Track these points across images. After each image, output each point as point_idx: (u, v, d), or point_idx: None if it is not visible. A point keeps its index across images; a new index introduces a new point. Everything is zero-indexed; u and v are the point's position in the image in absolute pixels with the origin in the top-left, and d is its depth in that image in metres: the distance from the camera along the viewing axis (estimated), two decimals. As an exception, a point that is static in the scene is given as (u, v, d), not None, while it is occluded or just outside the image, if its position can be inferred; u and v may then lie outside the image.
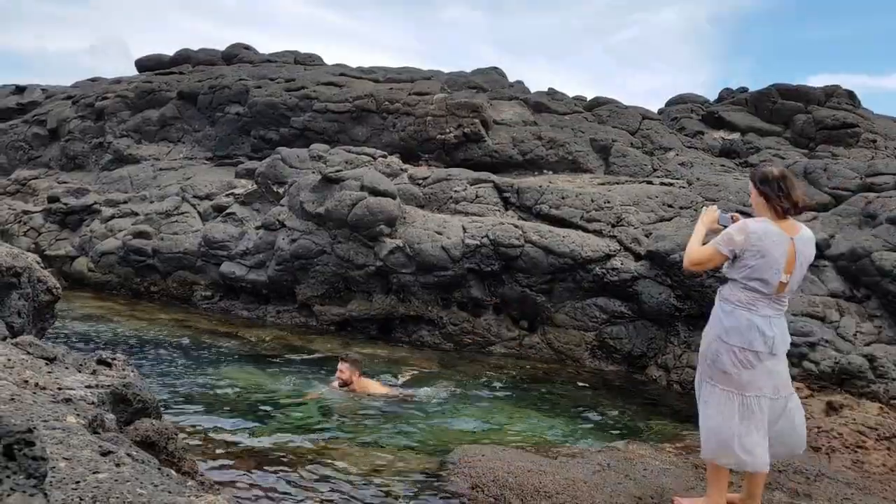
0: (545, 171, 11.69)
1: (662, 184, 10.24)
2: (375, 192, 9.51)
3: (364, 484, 4.28)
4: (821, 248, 7.69)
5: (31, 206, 13.68)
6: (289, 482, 4.21)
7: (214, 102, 14.58)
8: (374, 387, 6.56)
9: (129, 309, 10.21)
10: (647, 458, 4.84)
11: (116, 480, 1.91)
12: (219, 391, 6.39)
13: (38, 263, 4.29)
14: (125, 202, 12.84)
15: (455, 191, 10.14)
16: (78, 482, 1.85)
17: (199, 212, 11.68)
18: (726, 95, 14.81)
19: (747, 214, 4.57)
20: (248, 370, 7.27)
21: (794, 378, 6.13)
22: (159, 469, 2.18)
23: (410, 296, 9.24)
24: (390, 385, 6.90)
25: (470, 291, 8.99)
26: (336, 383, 6.45)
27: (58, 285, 4.35)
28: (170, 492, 1.96)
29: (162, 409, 3.34)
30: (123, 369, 3.02)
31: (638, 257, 8.50)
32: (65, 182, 14.61)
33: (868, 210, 8.37)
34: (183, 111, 15.09)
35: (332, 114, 13.05)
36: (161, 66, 17.77)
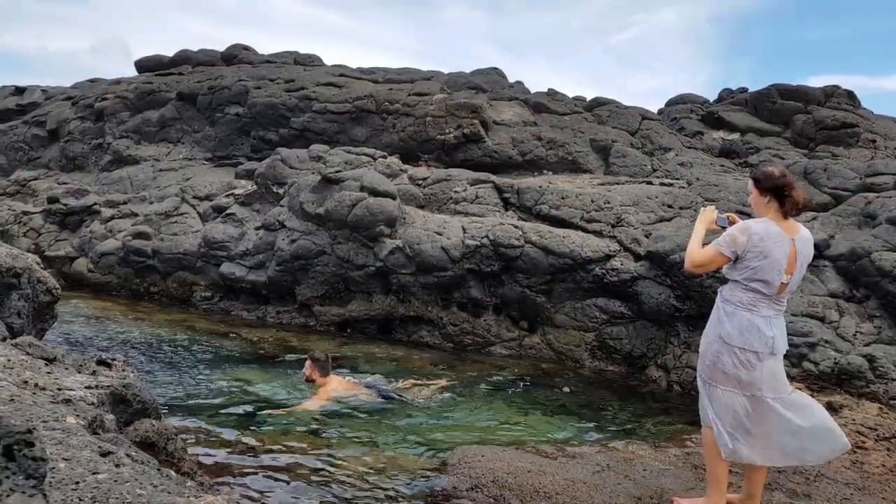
0: (545, 171, 11.68)
1: (662, 184, 10.24)
2: (375, 193, 9.51)
3: (364, 484, 4.28)
4: (820, 249, 7.69)
5: (30, 207, 13.69)
6: (288, 483, 4.21)
7: (214, 103, 14.59)
8: (334, 385, 6.39)
9: (129, 310, 10.21)
10: (647, 459, 4.84)
11: (116, 481, 1.91)
12: (219, 392, 6.39)
13: (38, 264, 4.29)
14: (125, 203, 12.85)
15: (455, 191, 10.14)
16: (77, 483, 1.86)
17: (198, 212, 11.68)
18: (726, 96, 14.80)
19: (746, 215, 4.58)
20: (247, 371, 7.26)
21: (793, 378, 6.16)
22: (159, 469, 2.18)
23: (410, 296, 9.25)
24: (354, 383, 6.67)
25: (470, 292, 8.99)
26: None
27: (57, 286, 4.36)
28: (169, 492, 1.96)
29: (162, 409, 3.34)
30: (123, 370, 3.03)
31: (638, 258, 8.50)
32: (64, 183, 14.61)
33: (868, 210, 8.38)
34: (182, 112, 15.10)
35: (332, 114, 13.05)
36: (161, 66, 17.78)
